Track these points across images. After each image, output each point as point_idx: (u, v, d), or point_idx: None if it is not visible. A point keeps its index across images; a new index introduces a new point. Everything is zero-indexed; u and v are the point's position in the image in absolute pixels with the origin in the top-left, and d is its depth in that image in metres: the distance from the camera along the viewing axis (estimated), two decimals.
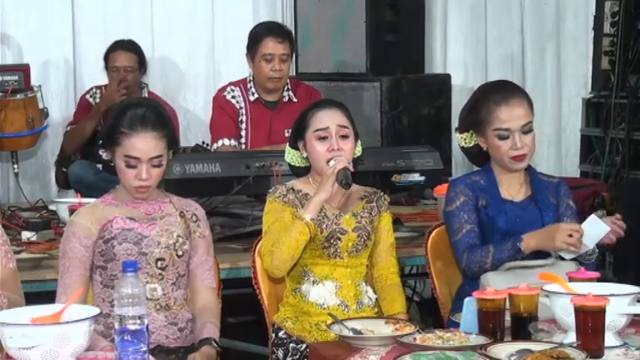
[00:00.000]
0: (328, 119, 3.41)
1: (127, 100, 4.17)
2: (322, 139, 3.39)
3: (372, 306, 3.45)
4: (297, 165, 3.54)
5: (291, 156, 3.54)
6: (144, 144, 3.15)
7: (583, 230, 3.23)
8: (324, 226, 3.38)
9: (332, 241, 3.39)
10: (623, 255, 3.35)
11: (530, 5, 6.58)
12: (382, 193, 3.55)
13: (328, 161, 3.36)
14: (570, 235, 3.21)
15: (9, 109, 4.85)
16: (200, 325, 3.24)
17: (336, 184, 3.33)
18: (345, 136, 3.41)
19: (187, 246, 3.27)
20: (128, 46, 5.67)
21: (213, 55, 6.24)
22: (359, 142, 3.53)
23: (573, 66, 6.64)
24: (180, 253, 3.24)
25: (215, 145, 4.99)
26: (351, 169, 3.36)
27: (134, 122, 3.16)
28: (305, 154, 3.46)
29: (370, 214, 3.48)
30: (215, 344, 3.18)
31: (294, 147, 3.51)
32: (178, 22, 6.18)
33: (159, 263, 3.21)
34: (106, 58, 5.67)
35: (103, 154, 3.25)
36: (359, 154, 3.54)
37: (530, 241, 3.30)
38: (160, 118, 3.23)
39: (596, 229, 3.26)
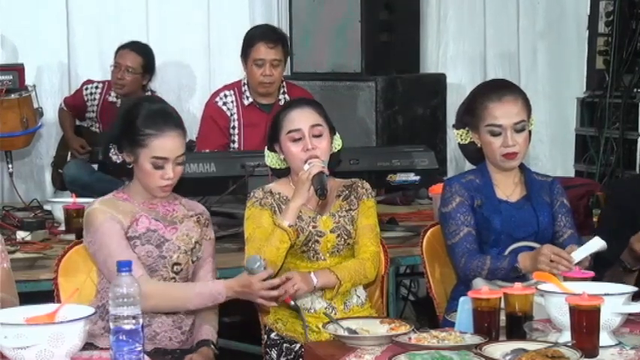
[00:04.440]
0: (300, 120, 3.36)
1: (135, 99, 3.97)
2: (296, 140, 3.35)
3: (360, 305, 3.43)
4: (278, 167, 3.50)
5: (270, 159, 3.49)
6: (172, 144, 3.12)
7: (569, 256, 3.12)
8: (301, 230, 3.34)
9: (310, 244, 3.37)
10: (604, 257, 3.32)
11: (525, 5, 6.58)
12: (361, 182, 3.49)
13: (305, 162, 3.31)
14: (552, 261, 3.12)
15: (3, 109, 4.84)
16: (198, 326, 3.24)
17: (312, 188, 3.28)
18: (318, 135, 3.36)
19: (201, 252, 3.26)
20: (137, 47, 5.68)
21: (208, 54, 6.24)
22: (337, 136, 3.47)
23: (568, 66, 6.64)
24: (194, 258, 3.24)
25: None
26: (327, 172, 3.33)
27: (157, 122, 3.12)
28: (282, 156, 3.43)
29: (349, 211, 3.43)
30: (213, 346, 3.18)
31: (272, 149, 3.48)
32: (174, 21, 6.17)
33: (175, 267, 3.19)
34: (116, 53, 5.67)
35: (118, 157, 3.17)
36: (339, 147, 3.48)
37: (526, 262, 3.23)
38: (177, 115, 3.22)
39: (595, 245, 3.18)
